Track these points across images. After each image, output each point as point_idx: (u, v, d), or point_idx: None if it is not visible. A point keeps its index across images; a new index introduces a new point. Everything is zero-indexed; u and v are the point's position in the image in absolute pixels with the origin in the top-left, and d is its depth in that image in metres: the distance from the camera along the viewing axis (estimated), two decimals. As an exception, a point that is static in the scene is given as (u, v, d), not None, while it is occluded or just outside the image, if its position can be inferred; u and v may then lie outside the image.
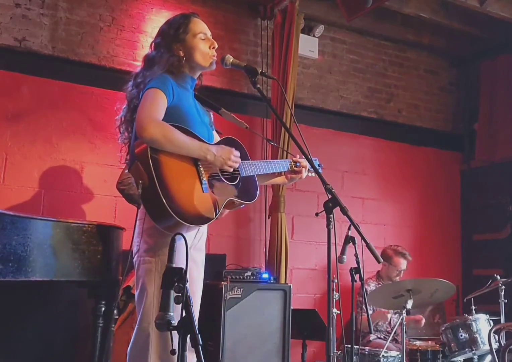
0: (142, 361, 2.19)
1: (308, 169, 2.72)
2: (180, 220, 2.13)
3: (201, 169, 2.30)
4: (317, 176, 2.23)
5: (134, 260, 2.33)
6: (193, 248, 2.39)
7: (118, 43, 4.42)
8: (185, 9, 4.59)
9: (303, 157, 2.40)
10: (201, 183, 2.28)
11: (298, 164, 2.67)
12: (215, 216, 2.30)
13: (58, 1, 4.24)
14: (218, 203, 2.33)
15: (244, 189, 2.45)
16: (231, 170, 2.35)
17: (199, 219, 2.24)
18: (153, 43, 2.49)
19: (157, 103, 2.24)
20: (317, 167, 2.83)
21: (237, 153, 2.38)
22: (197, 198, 2.25)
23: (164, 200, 2.10)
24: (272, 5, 4.89)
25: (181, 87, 2.39)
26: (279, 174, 2.72)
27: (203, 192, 2.28)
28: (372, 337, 4.35)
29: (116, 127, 2.45)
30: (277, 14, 4.85)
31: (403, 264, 4.57)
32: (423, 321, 4.39)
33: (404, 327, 3.57)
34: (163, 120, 2.24)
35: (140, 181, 2.15)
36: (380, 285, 4.48)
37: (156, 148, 2.18)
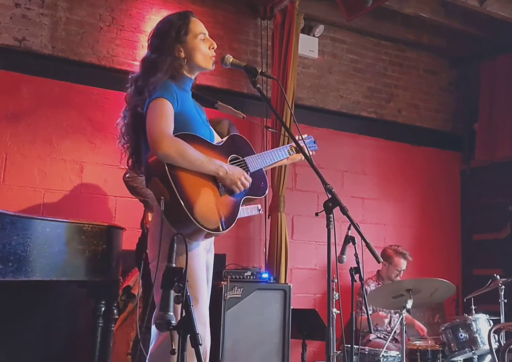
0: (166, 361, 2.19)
1: (308, 148, 2.73)
2: (206, 230, 2.16)
3: None
4: (316, 173, 2.23)
5: (150, 266, 2.30)
6: (207, 251, 2.40)
7: (118, 43, 4.42)
8: (185, 9, 4.59)
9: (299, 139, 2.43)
10: (218, 188, 2.30)
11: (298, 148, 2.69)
12: (235, 219, 2.33)
13: (58, 1, 4.24)
14: (236, 205, 2.36)
15: (255, 184, 2.48)
16: (238, 191, 2.34)
17: (221, 226, 2.26)
18: (152, 44, 2.44)
19: (167, 116, 2.24)
20: (313, 144, 2.86)
21: (249, 178, 2.38)
22: (216, 205, 2.27)
23: (188, 213, 2.12)
24: (272, 5, 4.89)
25: (182, 90, 2.39)
26: None
27: (220, 196, 2.30)
28: (372, 336, 4.36)
29: (119, 134, 2.42)
30: (277, 14, 4.85)
31: (403, 264, 4.58)
32: (425, 332, 4.44)
33: (404, 327, 3.57)
34: None
35: (162, 197, 2.15)
36: (380, 285, 4.49)
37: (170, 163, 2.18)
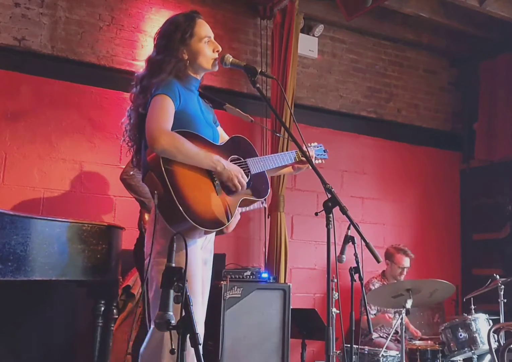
0: (156, 361, 2.18)
1: (315, 157, 2.75)
2: (199, 227, 2.16)
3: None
4: (316, 173, 2.23)
5: (146, 262, 2.32)
6: (203, 249, 2.40)
7: (117, 43, 4.41)
8: (185, 9, 4.55)
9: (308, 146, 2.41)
10: (214, 186, 2.30)
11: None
12: (230, 218, 2.32)
13: (57, 1, 4.24)
14: (232, 204, 2.35)
15: (256, 186, 2.48)
16: (234, 189, 2.33)
17: (215, 223, 2.26)
18: (157, 45, 2.44)
19: (166, 111, 2.24)
20: (323, 153, 2.85)
21: (245, 177, 2.37)
22: (211, 202, 2.27)
23: (181, 209, 2.12)
24: (272, 5, 4.89)
25: (187, 89, 2.40)
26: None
27: (217, 195, 2.30)
28: (374, 335, 4.35)
29: (124, 132, 2.43)
30: (276, 13, 4.85)
31: (405, 261, 4.58)
32: (419, 334, 4.49)
33: (404, 327, 3.57)
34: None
35: (156, 191, 2.16)
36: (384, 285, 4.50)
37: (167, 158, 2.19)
